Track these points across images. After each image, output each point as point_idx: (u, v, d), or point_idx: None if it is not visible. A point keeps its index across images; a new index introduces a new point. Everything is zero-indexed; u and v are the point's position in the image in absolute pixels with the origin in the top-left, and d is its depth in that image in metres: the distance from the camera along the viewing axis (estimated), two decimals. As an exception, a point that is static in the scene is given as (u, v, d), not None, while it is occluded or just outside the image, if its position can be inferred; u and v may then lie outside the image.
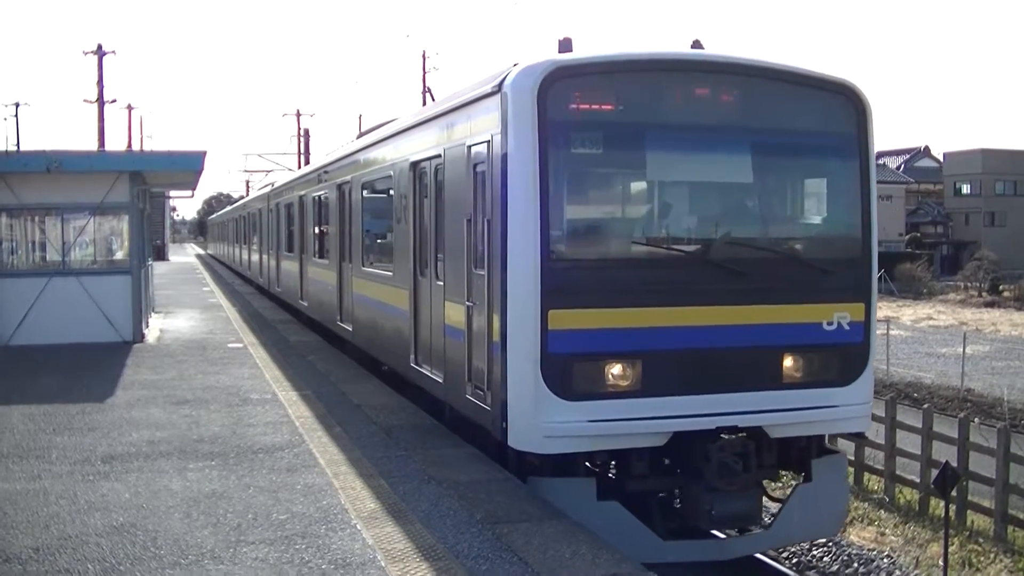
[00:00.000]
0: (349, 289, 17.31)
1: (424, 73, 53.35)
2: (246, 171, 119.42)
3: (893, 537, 14.50)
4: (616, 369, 9.09)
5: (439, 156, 11.24)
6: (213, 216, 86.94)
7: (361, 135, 18.87)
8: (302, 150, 66.93)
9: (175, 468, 9.68)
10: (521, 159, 8.93)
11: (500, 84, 9.26)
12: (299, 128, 69.92)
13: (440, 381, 11.28)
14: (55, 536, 7.60)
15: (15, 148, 49.20)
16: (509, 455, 9.55)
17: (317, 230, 21.62)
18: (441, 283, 11.21)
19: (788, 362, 9.58)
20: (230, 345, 19.77)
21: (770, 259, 9.91)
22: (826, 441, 10.83)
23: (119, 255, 20.79)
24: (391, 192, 13.79)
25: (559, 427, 8.90)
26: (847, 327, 9.72)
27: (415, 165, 12.41)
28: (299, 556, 7.11)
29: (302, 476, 9.32)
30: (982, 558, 13.62)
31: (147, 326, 21.91)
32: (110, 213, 20.45)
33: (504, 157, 9.07)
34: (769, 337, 9.48)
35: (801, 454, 10.08)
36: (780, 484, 12.99)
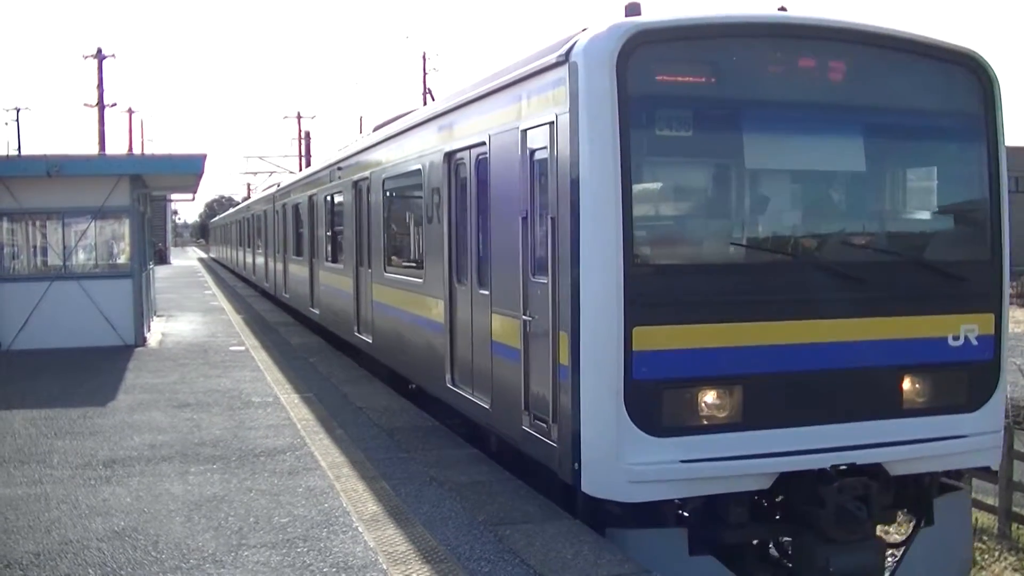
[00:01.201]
0: (368, 297, 15.67)
1: (424, 74, 53.44)
2: (247, 173, 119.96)
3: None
4: (713, 397, 7.69)
5: (482, 144, 9.77)
6: (215, 219, 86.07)
7: (379, 127, 16.82)
8: (303, 152, 67.01)
9: (176, 472, 9.67)
10: (597, 143, 7.45)
11: (567, 53, 7.74)
12: (300, 130, 70.15)
13: (486, 407, 9.77)
14: (56, 541, 7.59)
15: (16, 152, 49.25)
16: (579, 501, 8.07)
17: (330, 232, 20.07)
18: (486, 292, 9.75)
19: (910, 385, 8.17)
20: (232, 348, 19.77)
21: (889, 263, 8.41)
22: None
23: (120, 259, 20.81)
24: (420, 188, 12.21)
25: (646, 469, 7.47)
26: (975, 342, 8.30)
27: (450, 156, 10.85)
28: (301, 559, 7.10)
29: (304, 479, 9.31)
30: (986, 556, 13.60)
31: (149, 330, 21.92)
32: (111, 217, 20.48)
33: (574, 141, 7.58)
34: (888, 356, 8.07)
35: (921, 492, 8.55)
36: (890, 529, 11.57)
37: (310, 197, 22.36)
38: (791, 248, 8.30)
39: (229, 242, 59.26)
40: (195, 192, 28.63)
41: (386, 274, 14.34)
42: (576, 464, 7.67)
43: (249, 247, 42.33)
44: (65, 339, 19.19)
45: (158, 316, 26.42)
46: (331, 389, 14.55)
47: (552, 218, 7.98)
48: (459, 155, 10.60)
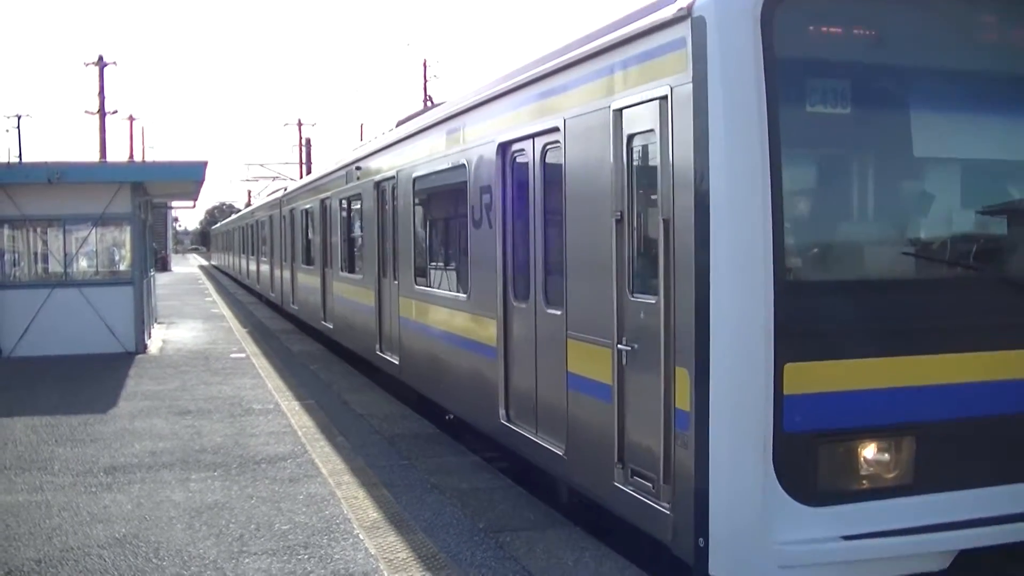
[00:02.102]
0: (393, 313, 13.99)
1: (425, 81, 53.48)
2: (247, 180, 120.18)
3: None
4: (880, 452, 6.05)
5: (552, 131, 8.11)
6: (217, 225, 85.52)
7: (405, 121, 15.04)
8: (304, 159, 67.08)
9: (177, 479, 9.67)
10: (736, 121, 5.80)
11: (689, 7, 6.06)
12: (300, 137, 70.24)
13: (557, 453, 8.08)
14: (57, 548, 7.59)
15: (17, 160, 49.30)
16: None
17: (346, 239, 18.46)
18: (557, 312, 8.07)
19: None
20: (232, 355, 19.77)
21: None
22: None
23: (121, 266, 20.84)
24: (463, 187, 10.48)
25: (801, 550, 5.82)
26: None
27: (505, 148, 9.27)
28: (302, 566, 7.10)
29: (304, 486, 9.31)
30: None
31: (150, 337, 21.93)
32: (112, 224, 20.55)
33: (701, 120, 5.91)
34: None
35: None
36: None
37: (322, 201, 20.73)
38: (981, 260, 6.45)
39: (231, 249, 57.97)
40: (196, 199, 28.64)
41: (417, 287, 12.64)
42: (701, 540, 6.00)
43: (253, 254, 40.66)
44: (66, 346, 19.21)
45: (159, 323, 26.44)
46: (332, 396, 14.55)
47: (665, 220, 6.29)
48: (518, 146, 9.01)
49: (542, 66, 8.40)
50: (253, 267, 40.60)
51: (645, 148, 6.76)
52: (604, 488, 7.26)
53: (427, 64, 54.50)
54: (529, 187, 8.79)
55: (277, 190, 37.83)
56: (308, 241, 23.47)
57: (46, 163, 19.62)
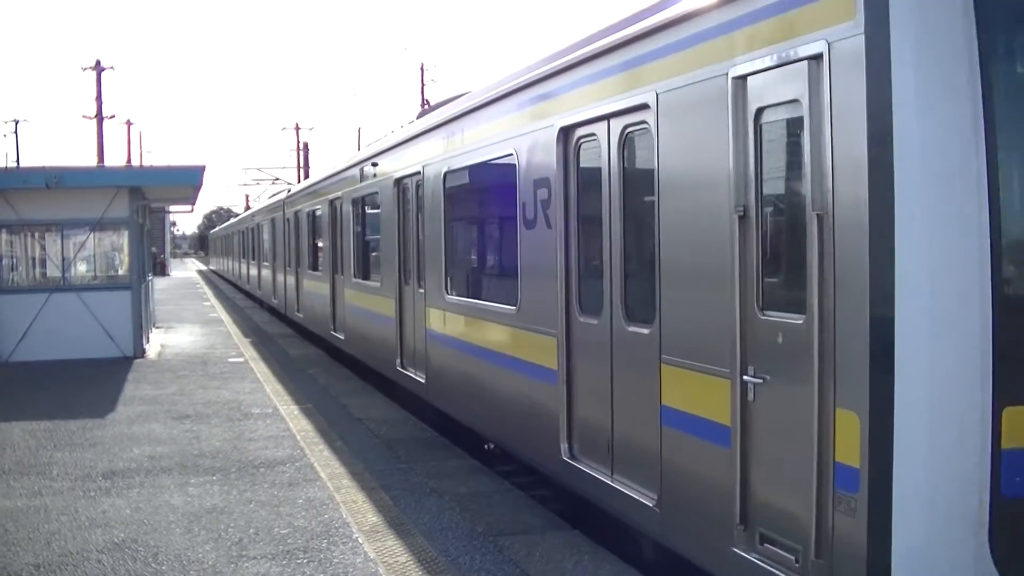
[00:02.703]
0: (417, 325, 12.58)
1: (423, 85, 53.53)
2: (245, 185, 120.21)
3: None
4: None
5: (639, 108, 6.69)
6: (215, 229, 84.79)
7: (428, 112, 13.82)
8: (302, 163, 67.09)
9: (176, 483, 9.66)
10: (934, 86, 4.50)
11: None
12: (298, 142, 70.24)
13: (647, 504, 6.63)
14: (56, 553, 7.58)
15: (15, 164, 49.29)
16: None
17: (359, 243, 17.01)
18: (645, 331, 6.69)
19: None
20: (231, 359, 19.77)
21: None
22: None
23: (119, 270, 20.84)
24: (509, 181, 9.14)
25: None
26: None
27: (568, 133, 7.87)
28: (301, 571, 7.09)
29: (303, 490, 9.30)
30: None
31: (148, 341, 21.92)
32: (110, 228, 20.55)
33: (877, 85, 4.56)
34: None
35: None
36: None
37: (331, 201, 19.23)
38: None
39: (231, 254, 56.76)
40: (194, 204, 28.69)
41: (449, 297, 11.19)
42: None
43: (253, 259, 39.27)
44: (64, 351, 19.20)
45: (157, 328, 26.42)
46: (330, 400, 14.55)
47: (819, 216, 4.87)
48: (587, 129, 7.58)
49: (624, 30, 6.82)
50: (254, 272, 39.30)
51: (783, 125, 5.33)
52: (717, 553, 5.82)
53: (425, 68, 54.49)
54: (603, 178, 7.31)
55: (279, 192, 37.01)
56: (315, 245, 22.04)
57: (44, 168, 19.62)
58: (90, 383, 16.48)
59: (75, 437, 12.00)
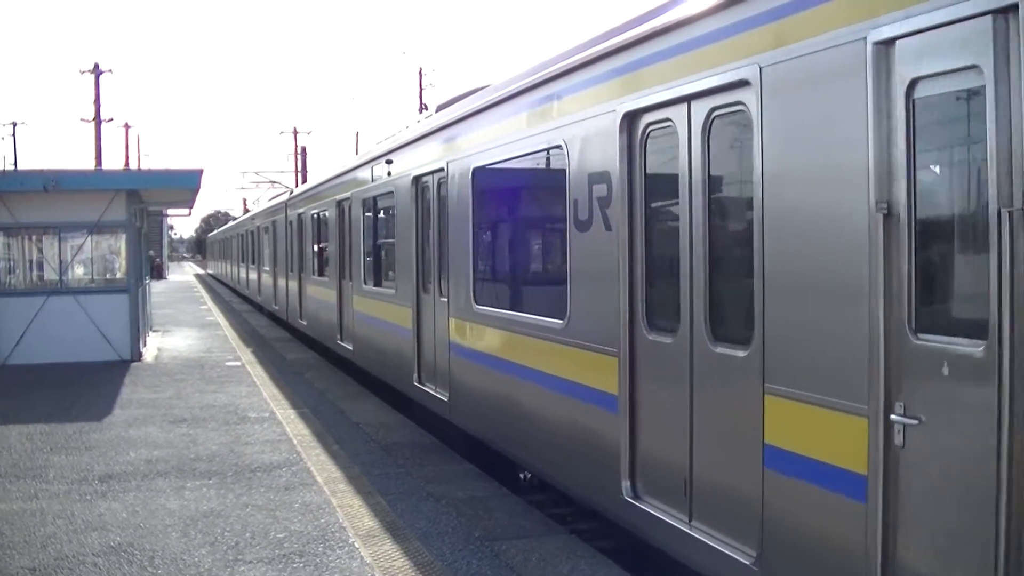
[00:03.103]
0: (439, 337, 11.52)
1: (421, 89, 53.55)
2: (243, 188, 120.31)
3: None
4: None
5: (734, 86, 5.66)
6: (213, 233, 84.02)
7: (447, 105, 12.58)
8: (299, 167, 67.08)
9: (173, 487, 9.65)
10: None
11: None
12: (296, 145, 70.21)
13: (744, 562, 5.60)
14: (52, 556, 7.57)
15: (12, 167, 49.28)
16: None
17: (370, 247, 15.85)
18: (741, 353, 5.70)
19: None
20: (228, 363, 19.76)
21: None
22: None
23: (116, 274, 20.83)
24: (559, 177, 7.98)
25: None
26: None
27: (634, 119, 6.84)
28: (297, 575, 7.08)
29: (300, 494, 9.30)
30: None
31: (145, 344, 21.92)
32: (107, 231, 20.56)
33: None
34: None
35: None
36: None
37: (339, 203, 18.20)
38: None
39: (229, 257, 55.32)
40: (191, 207, 28.62)
41: (478, 308, 10.13)
42: None
43: (253, 263, 37.99)
44: (61, 354, 19.19)
45: (154, 331, 26.42)
46: (327, 404, 14.54)
47: (1010, 214, 3.95)
48: (657, 115, 6.57)
49: None
50: (253, 276, 38.08)
51: (950, 100, 4.38)
52: None
53: (423, 72, 54.52)
54: (681, 171, 6.29)
55: (281, 193, 36.36)
56: (320, 249, 20.96)
57: (42, 171, 19.63)
58: (87, 386, 16.46)
59: (71, 440, 11.99)
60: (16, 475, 10.26)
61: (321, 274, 20.63)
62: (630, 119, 6.88)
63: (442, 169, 11.32)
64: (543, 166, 8.84)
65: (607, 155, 7.15)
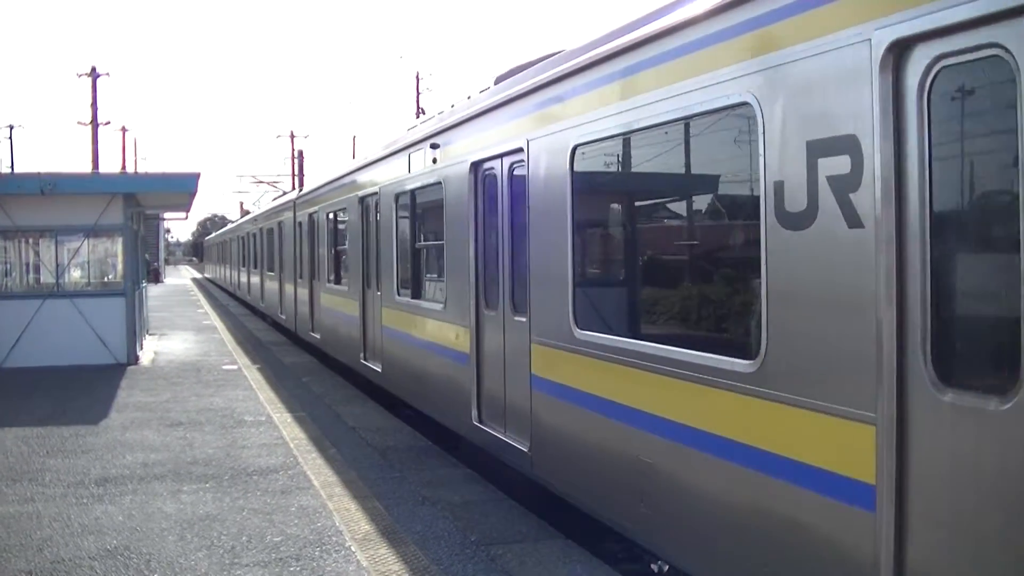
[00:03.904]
0: (513, 366, 9.19)
1: (418, 93, 53.64)
2: (240, 192, 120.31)
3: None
4: None
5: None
6: (212, 235, 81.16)
7: (508, 76, 10.09)
8: (296, 171, 67.10)
9: (169, 490, 9.65)
10: None
11: None
12: (293, 149, 70.26)
13: None
14: (48, 559, 7.56)
15: (9, 170, 49.25)
16: None
17: (407, 251, 13.22)
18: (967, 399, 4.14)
19: None
20: (224, 367, 19.75)
21: None
22: None
23: (113, 277, 20.84)
24: (755, 146, 5.42)
25: None
26: None
27: (908, 64, 4.43)
28: (293, 578, 7.09)
29: (296, 498, 9.30)
30: None
31: (141, 348, 21.91)
32: (104, 235, 20.56)
33: None
34: None
35: None
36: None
37: (362, 200, 15.83)
38: None
39: (228, 261, 52.84)
40: (188, 211, 28.67)
41: (583, 334, 7.59)
42: None
43: (255, 268, 35.46)
44: (57, 357, 19.19)
45: (151, 334, 26.42)
46: (324, 408, 14.54)
47: None
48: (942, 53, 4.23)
49: None
50: (255, 282, 35.49)
51: None
52: None
53: (420, 77, 54.62)
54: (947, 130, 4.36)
55: (287, 192, 34.60)
56: (337, 253, 18.75)
57: (39, 174, 19.63)
58: (83, 390, 16.45)
59: (68, 443, 11.98)
60: (12, 478, 10.25)
61: (338, 282, 18.45)
62: (898, 62, 4.44)
63: (519, 149, 8.82)
64: (718, 136, 6.14)
65: (853, 103, 4.65)
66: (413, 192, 12.91)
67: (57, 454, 11.41)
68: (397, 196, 13.57)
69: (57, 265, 20.21)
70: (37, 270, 20.57)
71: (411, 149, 12.78)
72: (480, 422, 10.10)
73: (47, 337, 19.43)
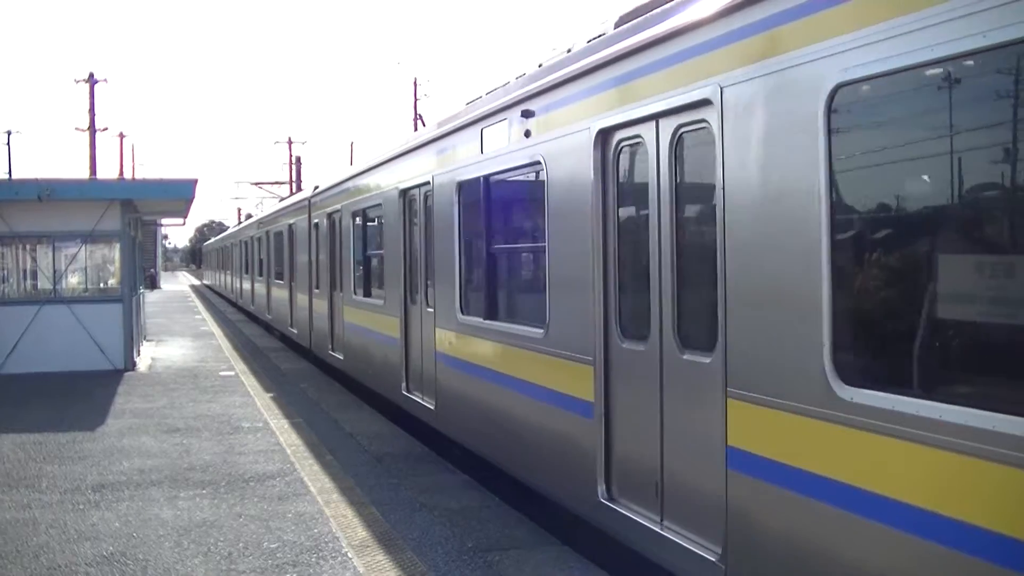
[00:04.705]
0: (697, 440, 6.15)
1: (416, 100, 53.70)
2: (237, 198, 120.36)
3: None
4: None
5: None
6: (211, 240, 78.68)
7: (631, 17, 7.35)
8: (294, 177, 67.10)
9: (166, 497, 9.64)
10: None
11: None
12: (291, 155, 70.30)
13: None
14: (44, 566, 7.56)
15: (7, 176, 49.26)
16: None
17: (480, 258, 10.22)
18: None
19: None
20: (222, 373, 19.74)
21: None
22: None
23: (111, 283, 20.84)
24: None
25: None
26: None
27: None
28: (290, 585, 7.09)
29: (293, 504, 9.30)
30: None
31: (139, 354, 21.89)
32: (101, 241, 20.57)
33: None
34: None
35: None
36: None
37: (403, 194, 12.84)
38: None
39: (229, 268, 49.69)
40: (186, 217, 28.70)
41: (853, 398, 4.74)
42: None
43: (261, 275, 32.56)
44: (54, 363, 19.17)
45: (148, 341, 26.39)
46: (321, 415, 14.54)
47: None
48: None
49: None
50: (261, 291, 32.53)
51: None
52: None
53: (418, 83, 54.67)
54: None
55: (285, 198, 33.04)
56: (367, 260, 16.01)
57: (36, 180, 19.65)
58: (80, 396, 16.44)
59: (65, 450, 11.97)
60: (9, 485, 10.24)
61: (368, 294, 15.68)
62: None
63: (697, 105, 6.02)
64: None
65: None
66: (485, 181, 9.87)
67: (54, 460, 11.40)
68: (461, 187, 10.54)
69: (54, 271, 20.21)
70: (34, 276, 20.58)
71: (485, 123, 9.74)
72: (611, 497, 7.33)
73: (44, 343, 19.40)
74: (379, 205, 14.50)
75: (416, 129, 44.97)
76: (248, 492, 9.80)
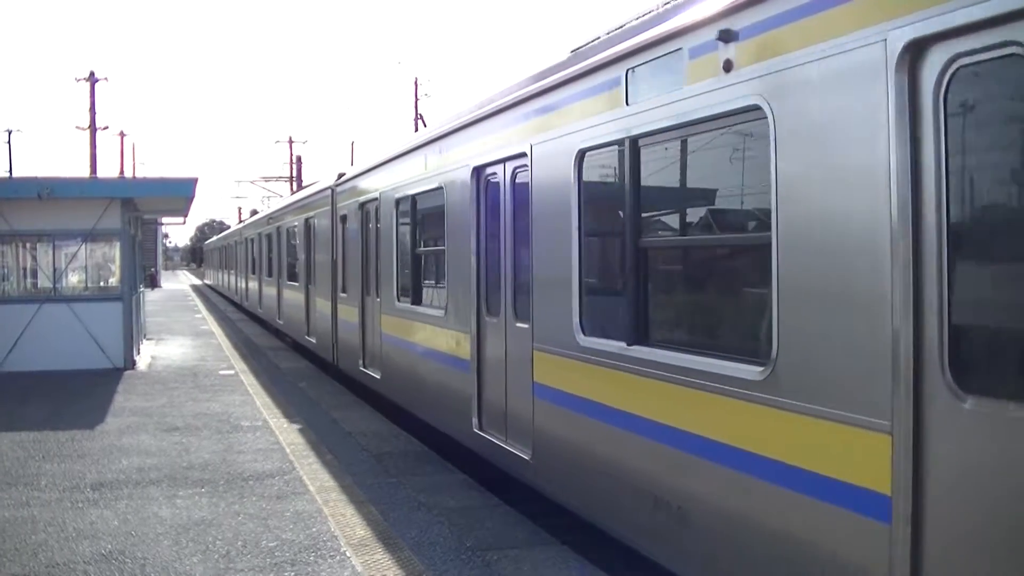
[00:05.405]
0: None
1: (416, 99, 53.71)
2: (238, 197, 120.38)
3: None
4: None
5: None
6: (212, 239, 77.64)
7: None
8: (294, 176, 67.16)
9: (165, 495, 9.64)
10: None
11: None
12: (291, 154, 70.34)
13: None
14: (43, 564, 7.56)
15: (7, 175, 49.29)
16: None
17: (596, 257, 8.02)
18: None
19: None
20: (221, 372, 19.74)
21: None
22: None
23: (111, 281, 20.84)
24: None
25: None
26: None
27: None
28: (288, 583, 7.09)
29: (292, 503, 9.29)
30: None
31: (138, 353, 21.89)
32: (101, 239, 20.56)
33: None
34: None
35: None
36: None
37: (477, 172, 10.11)
38: None
39: (233, 268, 46.71)
40: (186, 216, 28.71)
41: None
42: None
43: (270, 276, 29.52)
44: (54, 361, 19.18)
45: (148, 339, 26.40)
46: (320, 414, 14.54)
47: None
48: None
49: None
50: (270, 292, 29.38)
51: None
52: None
53: (418, 83, 54.69)
54: None
55: (284, 196, 32.06)
56: (416, 259, 12.95)
57: (36, 178, 19.67)
58: (80, 394, 16.44)
59: (64, 448, 11.97)
60: (8, 483, 10.24)
61: (418, 301, 12.86)
62: None
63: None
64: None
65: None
66: (634, 142, 6.82)
67: (53, 458, 11.40)
68: (582, 155, 7.63)
69: (55, 269, 20.22)
70: (35, 274, 20.59)
71: (637, 58, 6.72)
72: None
73: (44, 341, 19.42)
74: (438, 189, 11.46)
75: (416, 130, 44.95)
76: (247, 491, 9.80)
